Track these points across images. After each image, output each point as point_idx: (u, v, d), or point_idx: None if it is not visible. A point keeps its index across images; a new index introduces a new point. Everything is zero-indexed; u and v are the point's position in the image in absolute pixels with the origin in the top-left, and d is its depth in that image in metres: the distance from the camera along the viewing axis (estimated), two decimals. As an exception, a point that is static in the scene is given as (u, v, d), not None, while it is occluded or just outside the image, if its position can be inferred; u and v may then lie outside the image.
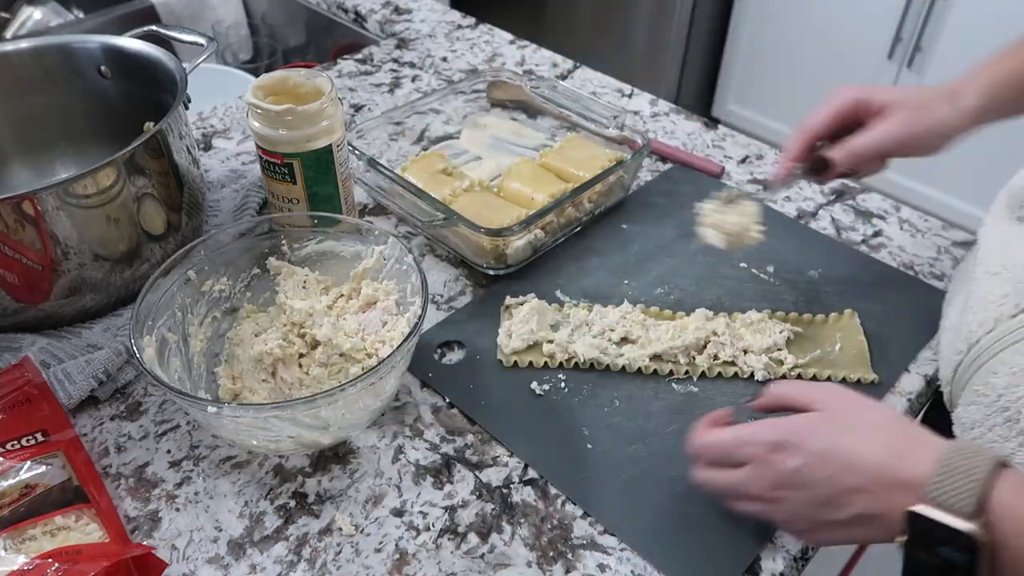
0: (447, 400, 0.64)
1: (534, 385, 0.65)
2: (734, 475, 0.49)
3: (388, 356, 0.55)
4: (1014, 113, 0.63)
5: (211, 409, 0.51)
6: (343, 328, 0.65)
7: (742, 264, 0.77)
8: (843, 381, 0.65)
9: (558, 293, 0.73)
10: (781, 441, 0.45)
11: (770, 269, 0.76)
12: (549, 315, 0.69)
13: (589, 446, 0.60)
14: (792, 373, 0.65)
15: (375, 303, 0.66)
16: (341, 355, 0.63)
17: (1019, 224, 0.57)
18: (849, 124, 0.65)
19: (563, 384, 0.65)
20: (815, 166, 0.67)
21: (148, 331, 0.57)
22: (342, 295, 0.68)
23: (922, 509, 0.40)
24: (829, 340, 0.68)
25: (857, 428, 0.45)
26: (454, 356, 0.68)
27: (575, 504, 0.57)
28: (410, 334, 0.56)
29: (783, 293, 0.73)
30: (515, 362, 0.66)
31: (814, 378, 0.65)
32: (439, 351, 0.68)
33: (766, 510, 0.48)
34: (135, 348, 0.55)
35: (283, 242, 0.67)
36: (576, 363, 0.66)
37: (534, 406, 0.63)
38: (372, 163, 0.78)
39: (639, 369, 0.65)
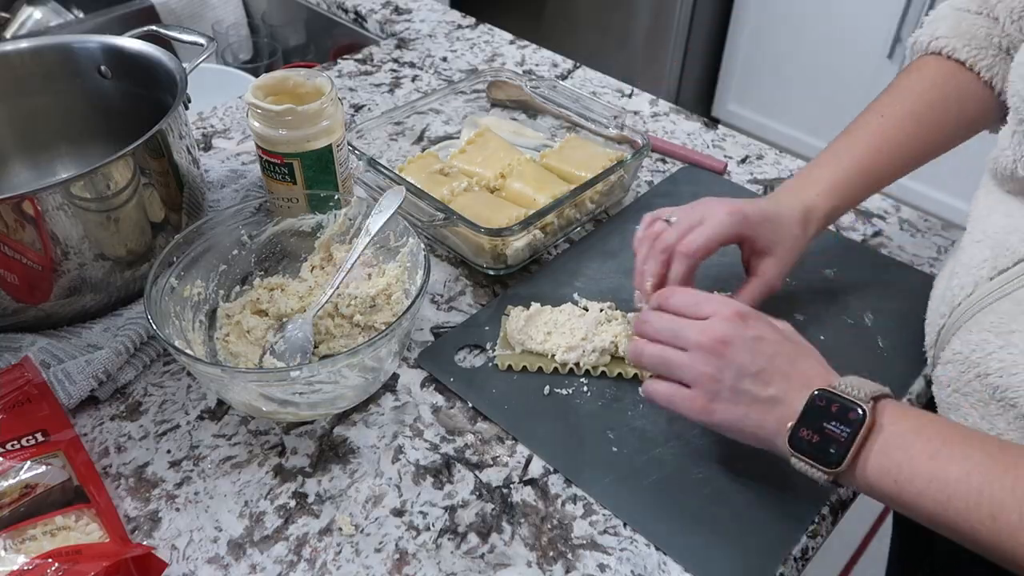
0: (468, 403, 0.64)
1: (557, 389, 0.64)
2: (687, 322, 0.55)
3: (406, 310, 0.57)
4: (859, 203, 0.69)
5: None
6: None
7: None
8: None
9: (575, 295, 0.73)
10: (747, 314, 0.53)
11: None
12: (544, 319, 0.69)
13: (614, 449, 0.60)
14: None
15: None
16: (344, 317, 0.66)
17: (1003, 194, 0.59)
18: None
19: (585, 388, 0.65)
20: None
21: (163, 319, 0.59)
22: (314, 267, 0.70)
23: (828, 388, 0.49)
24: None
25: (799, 344, 0.54)
26: (475, 360, 0.67)
27: (589, 504, 0.57)
28: (419, 294, 0.58)
29: (800, 293, 0.74)
30: (509, 366, 0.66)
31: None
32: (459, 355, 0.68)
33: (694, 363, 0.53)
34: (152, 324, 0.56)
35: (242, 232, 0.68)
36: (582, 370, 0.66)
37: (557, 410, 0.63)
38: (372, 163, 0.78)
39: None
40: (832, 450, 0.47)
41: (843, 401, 0.48)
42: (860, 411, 0.47)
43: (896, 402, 0.49)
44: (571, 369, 0.65)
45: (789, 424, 0.49)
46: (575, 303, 0.72)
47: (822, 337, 0.69)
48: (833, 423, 0.48)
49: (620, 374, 0.65)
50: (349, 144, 0.78)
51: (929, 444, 0.46)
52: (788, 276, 0.67)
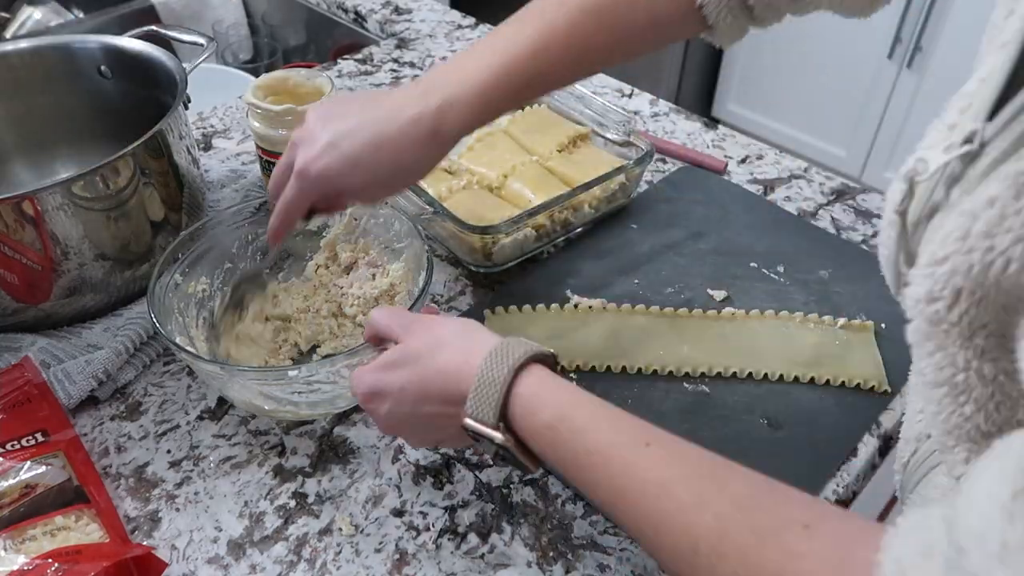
0: None
1: None
2: (357, 372, 0.52)
3: (417, 297, 0.58)
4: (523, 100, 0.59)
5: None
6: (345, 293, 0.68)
7: (752, 264, 0.77)
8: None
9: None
10: (369, 392, 0.49)
11: (780, 269, 0.76)
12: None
13: None
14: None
15: (355, 263, 0.69)
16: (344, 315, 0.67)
17: None
18: None
19: (574, 383, 0.65)
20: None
21: (166, 316, 0.59)
22: (319, 266, 0.70)
23: (467, 423, 0.45)
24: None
25: (424, 356, 0.48)
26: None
27: (588, 504, 0.57)
28: (423, 290, 0.59)
29: (793, 293, 0.74)
30: None
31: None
32: None
33: (368, 409, 0.51)
34: (156, 322, 0.56)
35: (247, 231, 0.68)
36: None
37: None
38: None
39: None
40: (512, 464, 0.47)
41: (485, 435, 0.45)
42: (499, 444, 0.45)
43: (524, 406, 0.44)
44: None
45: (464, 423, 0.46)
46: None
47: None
48: (493, 448, 0.46)
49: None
50: None
51: (571, 457, 0.43)
52: (784, 275, 0.66)
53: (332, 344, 0.66)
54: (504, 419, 0.45)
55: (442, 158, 0.56)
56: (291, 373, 0.55)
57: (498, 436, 0.44)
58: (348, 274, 0.70)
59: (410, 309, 0.57)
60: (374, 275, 0.69)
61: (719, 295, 0.73)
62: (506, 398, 0.44)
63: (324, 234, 0.70)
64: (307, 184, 0.54)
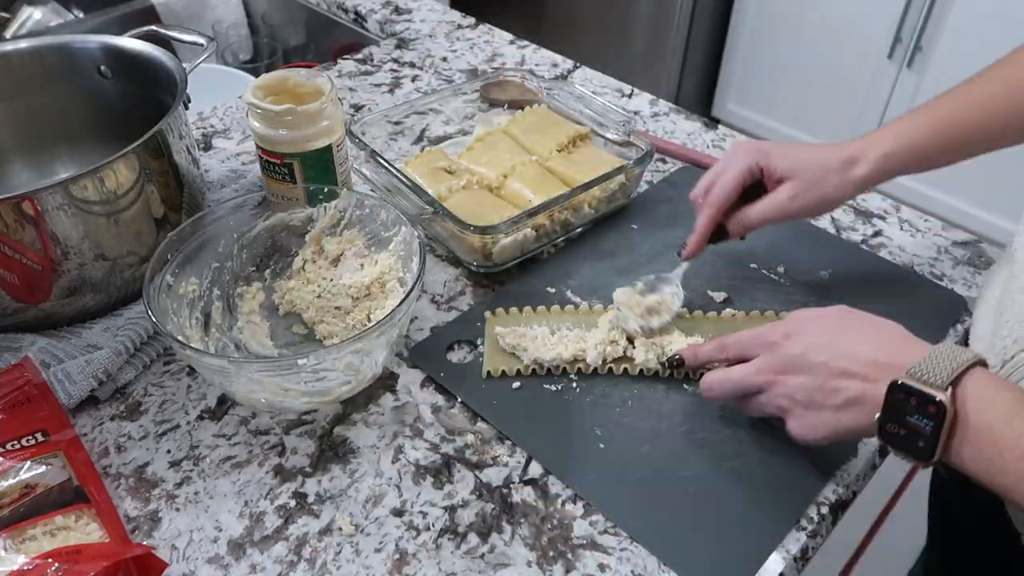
0: (459, 399, 0.64)
1: (546, 385, 0.65)
2: (744, 367, 0.55)
3: (407, 295, 0.58)
4: (912, 172, 0.67)
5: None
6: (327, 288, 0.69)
7: (752, 265, 0.77)
8: None
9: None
10: (790, 331, 0.53)
11: (780, 269, 0.76)
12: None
13: (601, 446, 0.60)
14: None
15: (341, 255, 0.70)
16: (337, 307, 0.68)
17: None
18: (748, 187, 0.69)
19: (575, 384, 0.65)
20: (714, 236, 0.71)
21: (163, 316, 0.59)
22: (306, 260, 0.70)
23: (903, 378, 0.46)
24: None
25: (857, 328, 0.51)
26: (465, 355, 0.68)
27: (588, 504, 0.57)
28: (416, 281, 0.58)
29: (793, 294, 0.74)
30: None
31: None
32: (450, 350, 0.68)
33: (767, 399, 0.54)
34: (151, 313, 0.56)
35: (231, 231, 0.68)
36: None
37: (546, 406, 0.63)
38: (373, 155, 0.78)
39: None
40: (920, 444, 0.45)
41: (919, 392, 0.45)
42: (937, 403, 0.44)
43: (983, 380, 0.45)
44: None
45: (876, 417, 0.47)
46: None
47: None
48: (915, 416, 0.45)
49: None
50: (350, 133, 0.78)
51: (1020, 441, 0.42)
52: (784, 275, 0.65)
53: (328, 329, 0.66)
54: (953, 388, 0.44)
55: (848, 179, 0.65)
56: (300, 362, 0.56)
57: (941, 395, 0.44)
58: (336, 266, 0.70)
59: (408, 293, 0.58)
60: (362, 265, 0.70)
61: (719, 296, 0.73)
62: (965, 369, 0.44)
63: (309, 229, 0.71)
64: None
